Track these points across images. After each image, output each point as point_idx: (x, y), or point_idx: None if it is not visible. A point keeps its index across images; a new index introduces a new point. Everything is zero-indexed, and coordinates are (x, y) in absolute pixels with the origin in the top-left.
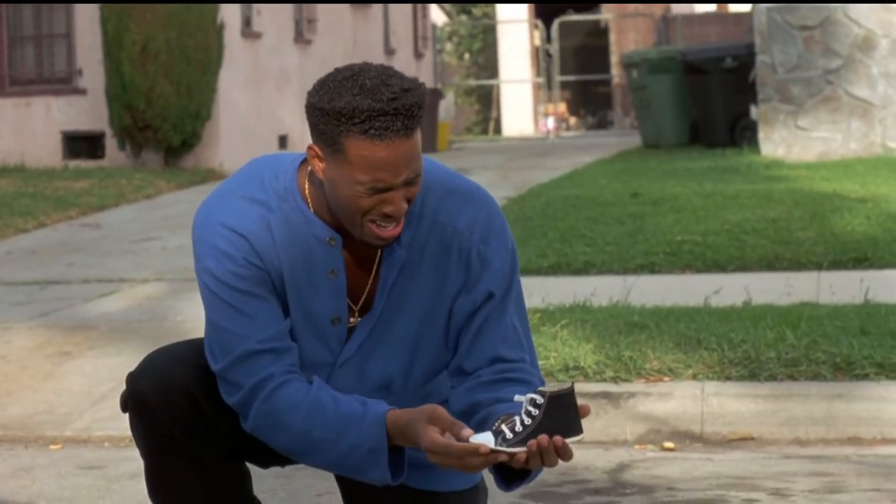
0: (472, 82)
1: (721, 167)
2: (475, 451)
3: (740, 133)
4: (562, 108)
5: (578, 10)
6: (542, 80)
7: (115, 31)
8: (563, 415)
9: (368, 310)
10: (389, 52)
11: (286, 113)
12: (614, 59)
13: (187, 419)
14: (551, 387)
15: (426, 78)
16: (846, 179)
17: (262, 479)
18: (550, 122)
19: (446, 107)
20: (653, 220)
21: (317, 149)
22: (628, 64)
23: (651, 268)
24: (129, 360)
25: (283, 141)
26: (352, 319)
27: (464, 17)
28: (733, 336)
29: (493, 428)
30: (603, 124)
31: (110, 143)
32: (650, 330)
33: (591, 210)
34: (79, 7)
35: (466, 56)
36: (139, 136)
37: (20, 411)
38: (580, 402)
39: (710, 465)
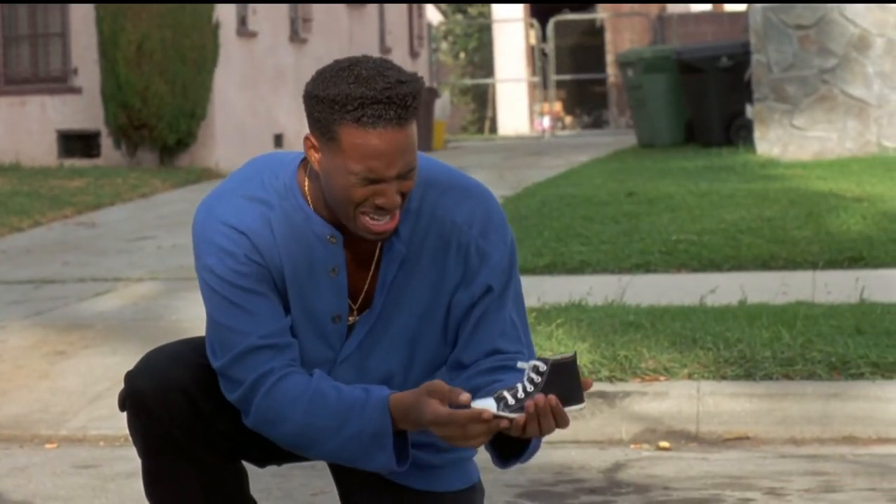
0: (468, 81)
1: (716, 166)
2: (478, 417)
3: (736, 132)
4: (557, 107)
5: (574, 10)
6: (537, 79)
7: (110, 30)
8: (564, 383)
9: (367, 307)
10: (385, 51)
11: (282, 112)
12: (610, 58)
13: (185, 419)
14: (554, 355)
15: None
16: (842, 179)
17: (258, 479)
18: (546, 122)
19: (442, 106)
20: (648, 220)
21: (313, 139)
22: (624, 63)
23: (646, 267)
24: (125, 359)
25: (278, 140)
26: (351, 318)
27: (459, 17)
28: (729, 335)
29: (495, 395)
30: (598, 123)
31: (105, 143)
32: (646, 329)
33: (586, 209)
34: (74, 6)
35: (462, 55)
36: (134, 135)
37: (15, 410)
38: None
39: (705, 464)
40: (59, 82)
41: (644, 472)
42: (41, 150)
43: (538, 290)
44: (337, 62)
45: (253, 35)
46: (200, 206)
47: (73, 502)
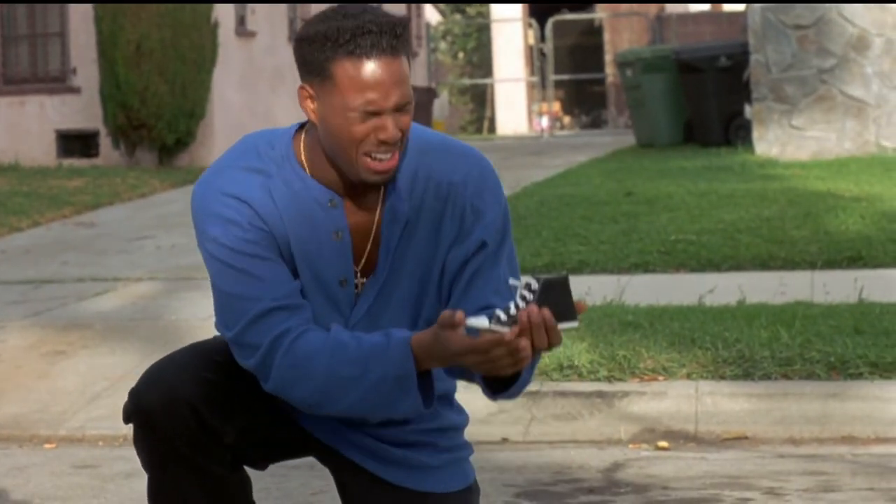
0: (467, 81)
1: (715, 166)
2: (499, 341)
3: (734, 132)
4: (556, 107)
5: (573, 10)
6: (536, 79)
7: (109, 30)
8: (557, 300)
9: (371, 272)
10: None
11: (280, 112)
12: (608, 58)
13: (192, 434)
14: (545, 273)
15: (420, 77)
16: (840, 179)
17: (257, 479)
18: (545, 121)
19: (440, 106)
20: (647, 220)
21: (307, 87)
22: (622, 63)
23: (645, 267)
24: (124, 359)
25: None
26: (357, 282)
27: (458, 17)
28: (727, 335)
29: (488, 314)
30: (597, 123)
31: (104, 142)
32: (644, 329)
33: (585, 209)
34: (73, 6)
35: (460, 55)
36: (133, 134)
37: (14, 410)
38: (574, 401)
39: (704, 464)
40: (58, 82)
41: (643, 471)
42: (40, 150)
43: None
44: (323, 10)
45: (252, 35)
46: (198, 182)
47: (72, 502)
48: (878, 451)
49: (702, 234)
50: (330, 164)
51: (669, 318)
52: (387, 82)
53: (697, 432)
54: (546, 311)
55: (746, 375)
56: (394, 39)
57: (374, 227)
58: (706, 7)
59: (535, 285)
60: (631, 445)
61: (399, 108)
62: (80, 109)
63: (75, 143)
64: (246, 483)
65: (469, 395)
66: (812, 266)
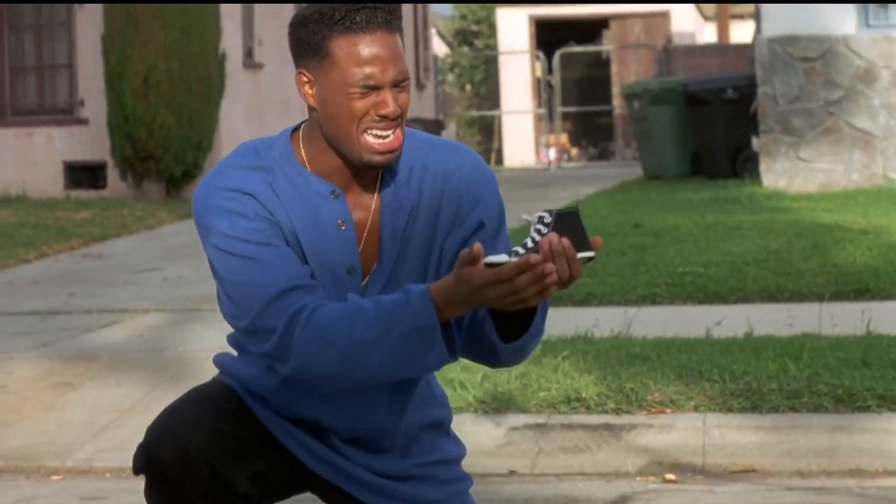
0: (474, 113)
1: (722, 198)
2: (525, 265)
3: (742, 164)
4: (563, 138)
5: (580, 42)
6: (543, 111)
7: (116, 61)
8: (571, 232)
9: (373, 260)
10: None
11: None
12: (616, 90)
13: (207, 486)
14: (557, 208)
15: (428, 109)
16: (848, 211)
17: None
18: (552, 153)
19: (448, 138)
20: (654, 252)
21: (305, 71)
22: (629, 95)
23: (652, 299)
24: (131, 390)
25: None
26: (364, 271)
27: (465, 49)
28: (735, 368)
29: (505, 251)
30: (604, 155)
31: (112, 174)
32: (652, 361)
33: None
34: (80, 37)
35: (468, 87)
36: (141, 166)
37: (21, 442)
38: (582, 433)
39: (711, 497)
40: (66, 113)
41: None
42: (48, 182)
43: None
44: None
45: (259, 66)
46: (200, 184)
47: None
48: (887, 484)
49: (709, 267)
50: (330, 154)
51: (677, 350)
52: (384, 56)
53: (705, 465)
54: (566, 241)
55: (754, 408)
56: (388, 15)
57: (371, 216)
58: (713, 39)
59: (548, 218)
60: (638, 478)
61: (397, 84)
62: (88, 141)
63: (83, 175)
64: None
65: (474, 428)
66: (820, 298)
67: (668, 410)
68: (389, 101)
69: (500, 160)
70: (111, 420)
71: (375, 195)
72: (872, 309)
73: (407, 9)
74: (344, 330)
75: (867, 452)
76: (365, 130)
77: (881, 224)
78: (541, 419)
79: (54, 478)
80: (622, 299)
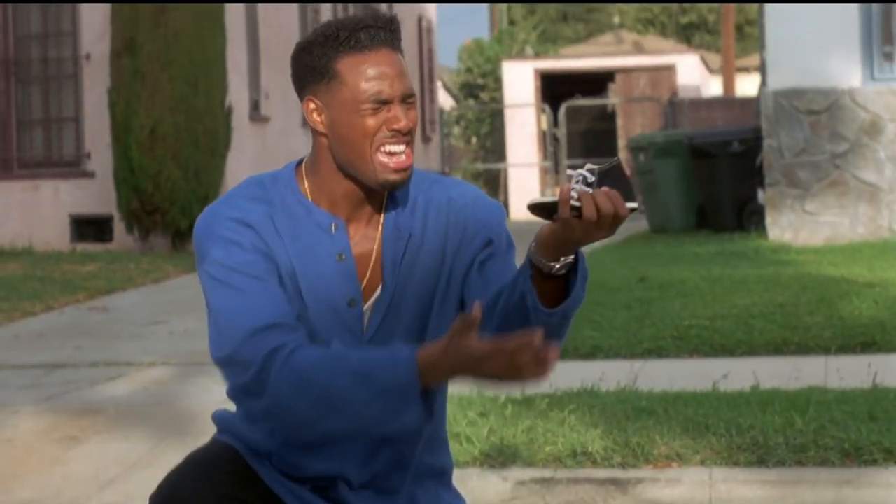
0: (480, 166)
1: (728, 252)
2: (526, 342)
3: (748, 217)
4: None
5: (585, 95)
6: (549, 163)
7: (123, 114)
8: (616, 184)
9: (375, 290)
10: None
11: None
12: (621, 142)
13: None
14: (599, 165)
15: (434, 161)
16: (854, 264)
17: None
18: None
19: None
20: (660, 305)
21: (313, 99)
22: (635, 148)
23: (659, 352)
24: (137, 445)
25: None
26: (365, 302)
27: (471, 102)
28: (741, 421)
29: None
30: None
31: (118, 227)
32: (658, 415)
33: (598, 295)
34: (87, 91)
35: (474, 140)
36: (147, 219)
37: (28, 495)
38: (588, 488)
39: None
40: (72, 166)
41: None
42: (54, 235)
43: (550, 376)
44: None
45: (265, 120)
46: (203, 213)
47: None
48: None
49: (715, 320)
50: (336, 184)
51: (683, 404)
52: (391, 72)
53: None
54: (613, 191)
55: (760, 462)
56: (391, 34)
57: (377, 246)
58: (718, 92)
59: (591, 178)
60: None
61: (405, 100)
62: (94, 194)
63: (89, 228)
64: None
65: (480, 482)
66: (826, 351)
67: (675, 464)
68: (401, 116)
69: (506, 213)
70: (117, 474)
71: (379, 226)
72: (879, 362)
73: (413, 62)
74: (324, 374)
75: None
76: (379, 149)
77: (887, 277)
78: (547, 473)
79: None
80: (628, 353)
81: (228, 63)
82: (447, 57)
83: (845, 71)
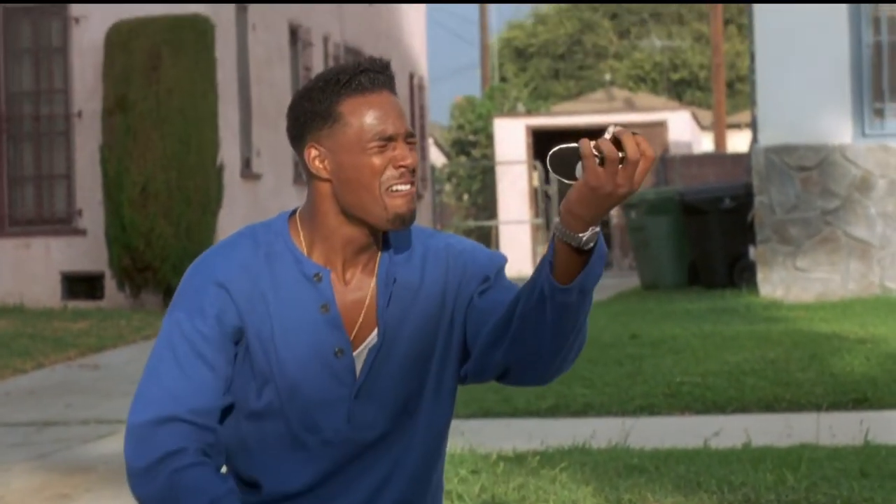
0: (472, 223)
1: (720, 308)
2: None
3: (739, 274)
4: None
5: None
6: (540, 220)
7: (115, 172)
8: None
9: (368, 337)
10: None
11: None
12: None
13: None
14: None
15: (425, 219)
16: (845, 320)
17: None
18: None
19: None
20: (652, 362)
21: (315, 146)
22: (627, 204)
23: (650, 409)
24: (128, 502)
25: None
26: (354, 350)
27: (463, 158)
28: (733, 479)
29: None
30: None
31: (109, 284)
32: (650, 473)
33: (589, 351)
34: (79, 148)
35: (465, 197)
36: (138, 277)
37: None
38: None
39: None
40: (64, 224)
41: None
42: (45, 292)
43: (541, 433)
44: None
45: (257, 177)
46: (199, 258)
47: None
48: None
49: (707, 377)
50: (332, 232)
51: (675, 461)
52: (392, 112)
53: None
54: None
55: None
56: (388, 78)
57: (371, 293)
58: (710, 149)
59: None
60: None
61: (407, 139)
62: (86, 251)
63: (80, 285)
64: None
65: None
66: (817, 408)
67: None
68: (406, 153)
69: (506, 259)
70: None
71: (375, 272)
72: (870, 419)
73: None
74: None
75: None
76: (388, 189)
77: (878, 333)
78: None
79: None
80: (620, 410)
81: (220, 120)
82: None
83: (836, 127)
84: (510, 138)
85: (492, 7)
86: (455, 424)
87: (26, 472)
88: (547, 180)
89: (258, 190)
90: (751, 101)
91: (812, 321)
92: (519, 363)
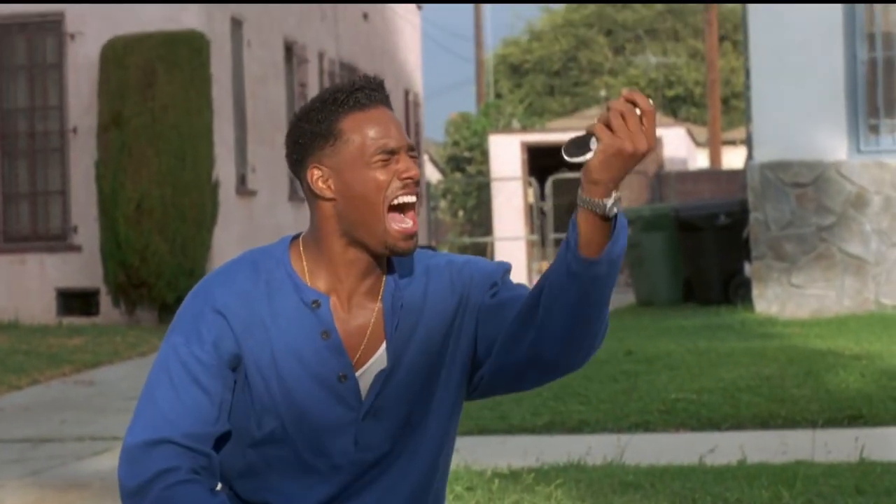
0: (467, 239)
1: (715, 325)
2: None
3: (734, 290)
4: None
5: (572, 168)
6: (536, 237)
7: (110, 188)
8: None
9: (369, 358)
10: None
11: None
12: None
13: None
14: None
15: (421, 236)
16: (840, 336)
17: None
18: None
19: None
20: (647, 378)
21: (318, 166)
22: None
23: (645, 426)
24: None
25: None
26: (358, 373)
27: (458, 175)
28: (728, 495)
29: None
30: None
31: (104, 301)
32: (645, 489)
33: (585, 368)
34: (74, 164)
35: (460, 213)
36: (133, 293)
37: None
38: None
39: None
40: (59, 240)
41: None
42: (40, 309)
43: (537, 450)
44: None
45: (252, 194)
46: (200, 283)
47: None
48: None
49: (702, 393)
50: (336, 257)
51: (670, 478)
52: (393, 126)
53: None
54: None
55: None
56: (384, 95)
57: (375, 316)
58: (705, 165)
59: None
60: None
61: (409, 152)
62: (81, 268)
63: (75, 302)
64: None
65: None
66: (813, 425)
67: None
68: (409, 165)
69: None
70: None
71: (379, 295)
72: (866, 435)
73: None
74: None
75: None
76: (391, 206)
77: (874, 350)
78: None
79: None
80: (615, 426)
81: (215, 137)
82: (434, 130)
83: (831, 144)
84: (505, 155)
85: (487, 23)
86: None
87: (21, 489)
88: (542, 196)
89: (253, 206)
90: (746, 118)
91: (807, 338)
92: (547, 350)
